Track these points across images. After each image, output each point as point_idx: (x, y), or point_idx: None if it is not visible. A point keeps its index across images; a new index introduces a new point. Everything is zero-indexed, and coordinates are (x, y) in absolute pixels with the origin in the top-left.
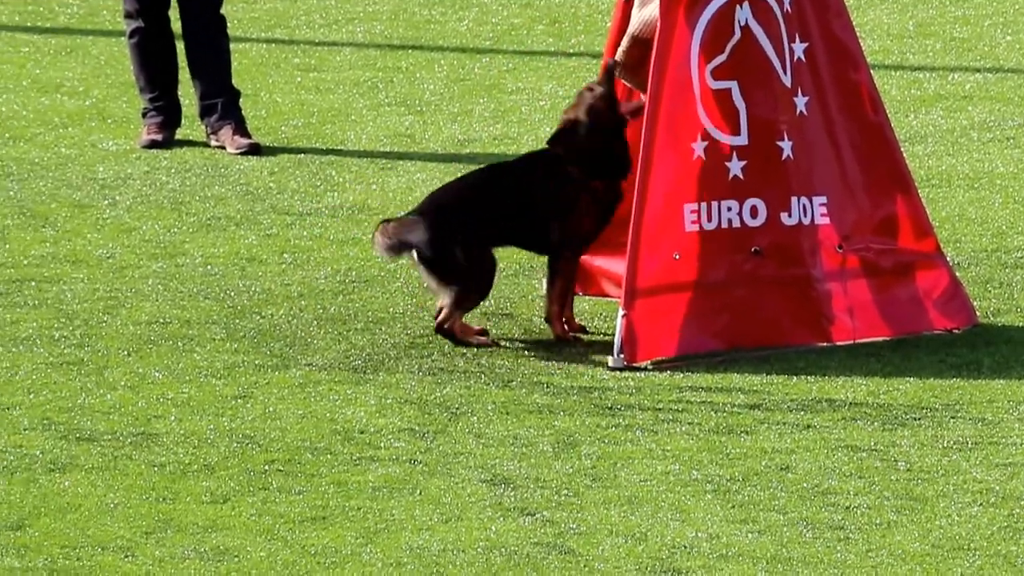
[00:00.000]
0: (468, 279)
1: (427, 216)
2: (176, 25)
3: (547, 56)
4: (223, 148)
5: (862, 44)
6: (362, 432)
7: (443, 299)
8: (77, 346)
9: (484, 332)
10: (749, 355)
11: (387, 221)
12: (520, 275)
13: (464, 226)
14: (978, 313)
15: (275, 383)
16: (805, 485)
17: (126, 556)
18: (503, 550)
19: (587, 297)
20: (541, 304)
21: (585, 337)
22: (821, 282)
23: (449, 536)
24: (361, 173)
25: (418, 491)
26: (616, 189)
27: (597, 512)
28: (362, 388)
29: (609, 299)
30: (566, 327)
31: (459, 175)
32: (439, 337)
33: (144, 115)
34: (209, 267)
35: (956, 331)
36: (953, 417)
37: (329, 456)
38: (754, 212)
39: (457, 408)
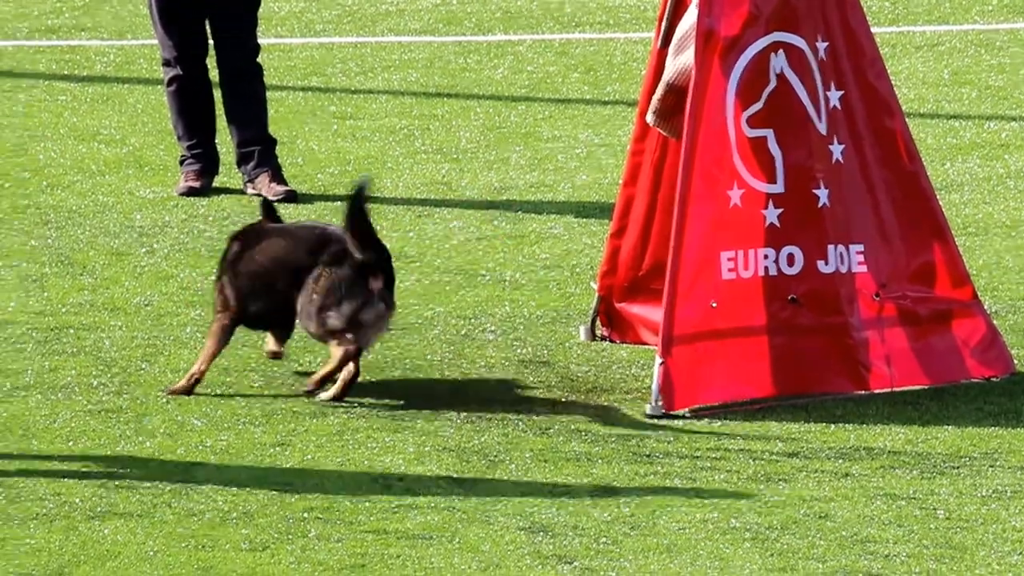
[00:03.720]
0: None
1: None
2: (213, 73)
3: (582, 104)
4: (260, 195)
5: (897, 92)
6: (400, 480)
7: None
8: (115, 394)
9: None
10: (787, 403)
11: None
12: (556, 323)
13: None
14: (1016, 361)
15: (313, 431)
16: (844, 533)
17: None
18: None
19: (624, 345)
20: (578, 351)
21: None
22: (858, 330)
23: None
24: (398, 221)
25: (456, 539)
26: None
27: (636, 560)
28: (400, 436)
29: (646, 347)
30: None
31: (493, 222)
32: (477, 385)
33: (182, 163)
34: None
35: (994, 379)
36: (992, 466)
37: (368, 504)
38: (791, 260)
39: (495, 456)
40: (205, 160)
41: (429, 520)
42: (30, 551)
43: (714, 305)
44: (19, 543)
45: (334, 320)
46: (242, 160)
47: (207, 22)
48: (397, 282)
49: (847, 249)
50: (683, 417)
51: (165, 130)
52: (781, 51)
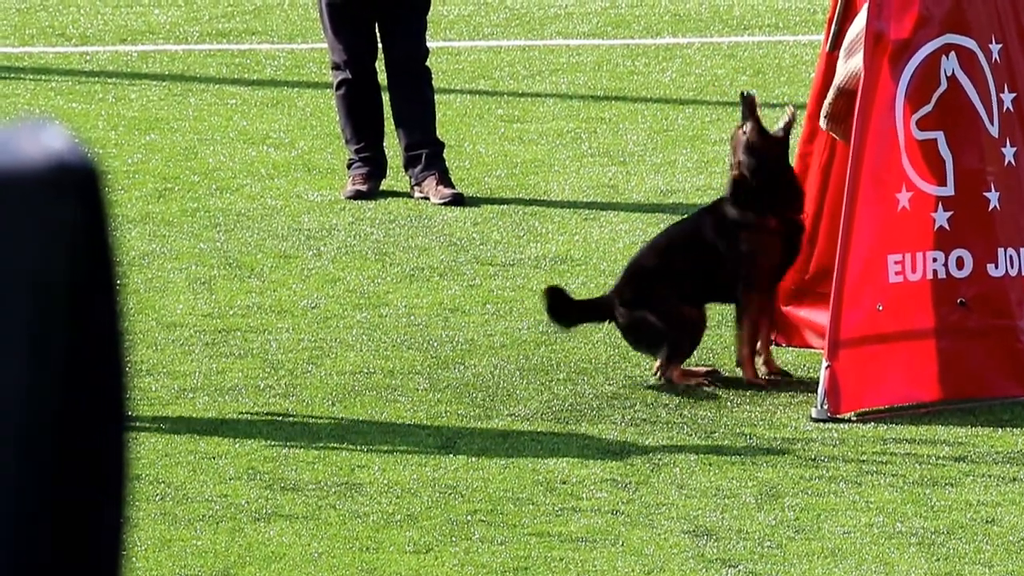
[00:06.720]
0: (668, 337)
1: (618, 286)
2: (382, 77)
3: None
4: (427, 199)
5: None
6: (564, 482)
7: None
8: (282, 396)
9: (712, 372)
10: (953, 407)
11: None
12: (722, 326)
13: (652, 290)
14: None
15: (478, 433)
16: (1011, 538)
17: None
18: None
19: (790, 348)
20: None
21: (785, 379)
22: None
23: None
24: (564, 224)
25: (620, 542)
26: (795, 222)
27: (800, 564)
28: (564, 438)
29: (812, 350)
30: (759, 371)
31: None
32: (641, 387)
33: (349, 166)
34: (412, 317)
35: None
36: None
37: (531, 506)
38: (960, 263)
39: (659, 459)
40: (372, 164)
41: (592, 523)
42: (196, 552)
43: (880, 308)
44: (185, 544)
45: None
46: (409, 163)
47: (376, 26)
48: (562, 286)
49: (1017, 252)
50: (849, 421)
51: (333, 133)
52: (952, 53)
